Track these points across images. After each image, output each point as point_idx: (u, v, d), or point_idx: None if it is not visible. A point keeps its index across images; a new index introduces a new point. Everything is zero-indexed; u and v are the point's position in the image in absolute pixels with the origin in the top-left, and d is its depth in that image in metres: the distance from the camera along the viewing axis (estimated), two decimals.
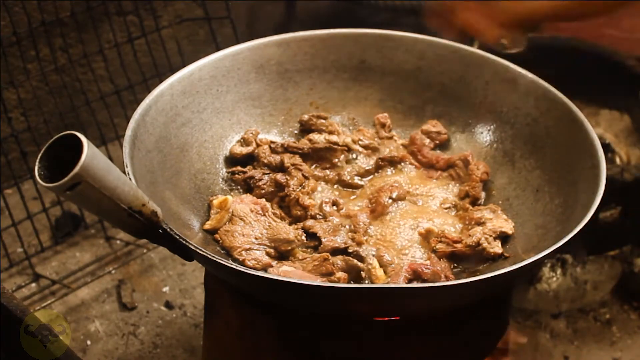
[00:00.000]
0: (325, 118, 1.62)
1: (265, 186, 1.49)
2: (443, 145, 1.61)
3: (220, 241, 1.39)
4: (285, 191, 1.48)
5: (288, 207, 1.47)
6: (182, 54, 2.40)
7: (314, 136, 1.60)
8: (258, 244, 1.39)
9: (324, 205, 1.47)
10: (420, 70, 1.65)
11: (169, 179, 1.44)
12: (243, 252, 1.37)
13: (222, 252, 1.38)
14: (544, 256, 1.23)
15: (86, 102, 2.26)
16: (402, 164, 1.59)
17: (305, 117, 1.62)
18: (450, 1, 1.83)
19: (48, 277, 2.14)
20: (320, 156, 1.57)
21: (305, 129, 1.62)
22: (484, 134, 1.60)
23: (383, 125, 1.63)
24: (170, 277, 2.18)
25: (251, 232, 1.39)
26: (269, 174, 1.51)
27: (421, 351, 1.42)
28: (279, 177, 1.49)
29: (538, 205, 1.45)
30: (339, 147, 1.58)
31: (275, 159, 1.55)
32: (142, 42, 2.36)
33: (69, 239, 2.26)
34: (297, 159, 1.54)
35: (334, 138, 1.59)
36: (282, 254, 1.39)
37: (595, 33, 2.44)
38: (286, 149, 1.56)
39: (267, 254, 1.38)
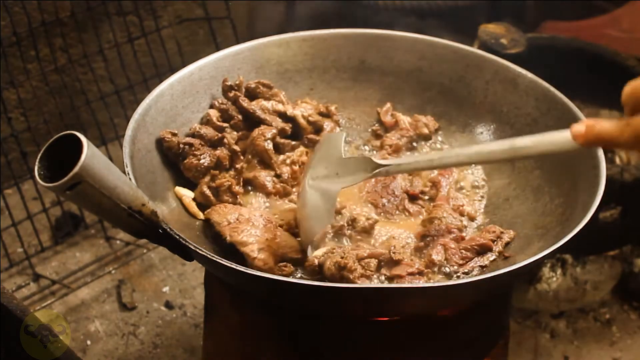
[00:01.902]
0: (270, 87, 1.59)
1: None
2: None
3: (228, 237, 1.35)
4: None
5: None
6: (182, 54, 2.40)
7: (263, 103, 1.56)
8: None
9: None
10: (420, 70, 1.65)
11: (169, 179, 1.44)
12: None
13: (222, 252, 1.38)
14: (544, 256, 1.23)
15: (86, 102, 2.25)
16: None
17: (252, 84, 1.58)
18: None
19: (48, 277, 2.14)
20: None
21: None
22: (484, 134, 1.60)
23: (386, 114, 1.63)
24: (170, 277, 2.18)
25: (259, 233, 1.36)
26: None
27: (421, 351, 1.42)
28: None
29: (538, 205, 1.45)
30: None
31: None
32: (142, 42, 2.36)
33: (69, 239, 2.26)
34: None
35: (280, 107, 1.56)
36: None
37: (595, 33, 2.44)
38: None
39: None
